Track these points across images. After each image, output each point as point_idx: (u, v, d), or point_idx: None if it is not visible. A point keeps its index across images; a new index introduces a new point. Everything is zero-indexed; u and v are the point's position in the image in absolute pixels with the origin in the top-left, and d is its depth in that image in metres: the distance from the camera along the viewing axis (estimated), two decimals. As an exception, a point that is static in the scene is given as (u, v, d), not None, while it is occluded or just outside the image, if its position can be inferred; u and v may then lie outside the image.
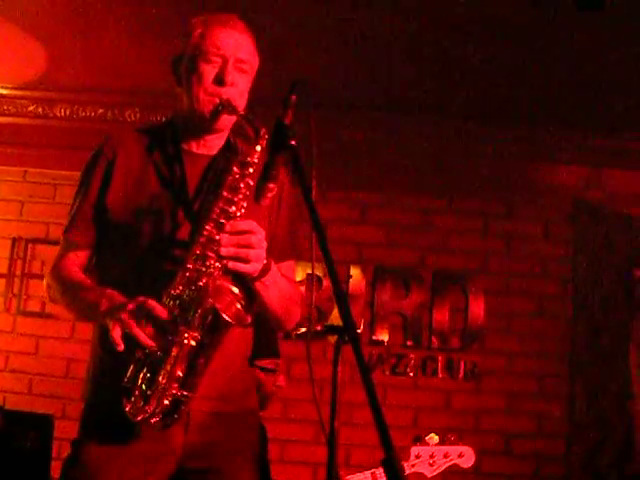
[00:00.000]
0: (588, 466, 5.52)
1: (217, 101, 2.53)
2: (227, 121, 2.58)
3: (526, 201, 5.86)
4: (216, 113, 2.54)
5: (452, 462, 3.93)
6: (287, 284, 2.64)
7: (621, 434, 5.54)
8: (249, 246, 2.36)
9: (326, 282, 5.08)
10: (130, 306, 2.30)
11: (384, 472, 1.79)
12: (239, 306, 2.39)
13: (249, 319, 2.45)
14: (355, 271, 5.78)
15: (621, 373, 5.64)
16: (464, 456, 3.98)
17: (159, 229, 2.54)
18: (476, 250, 5.86)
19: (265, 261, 2.42)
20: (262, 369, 4.04)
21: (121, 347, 2.29)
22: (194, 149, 2.65)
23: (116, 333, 2.29)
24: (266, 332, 3.00)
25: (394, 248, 5.81)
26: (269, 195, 2.32)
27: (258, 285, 2.46)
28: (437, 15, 4.46)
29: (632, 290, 5.75)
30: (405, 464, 3.89)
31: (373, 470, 3.84)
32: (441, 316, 5.77)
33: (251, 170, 2.45)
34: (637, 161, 5.80)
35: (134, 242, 2.53)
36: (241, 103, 2.55)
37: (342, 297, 2.03)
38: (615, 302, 5.73)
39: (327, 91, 4.45)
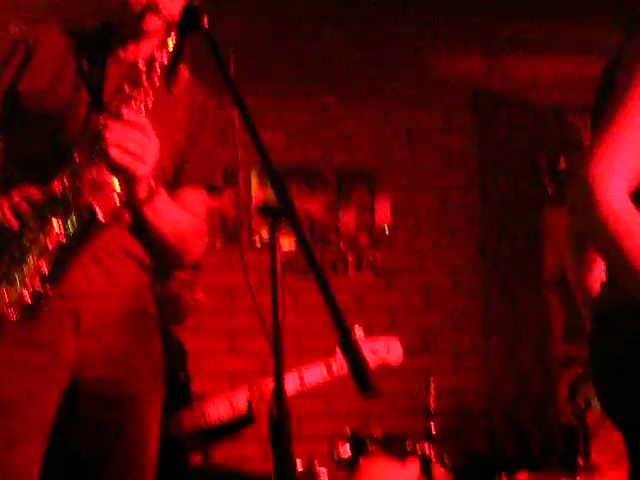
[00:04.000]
0: (507, 359, 5.54)
1: (144, 3, 2.38)
2: (154, 25, 2.42)
3: (426, 92, 5.75)
4: (141, 15, 2.40)
5: (382, 360, 3.87)
6: (184, 215, 2.53)
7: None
8: (138, 143, 2.24)
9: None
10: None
11: (343, 354, 1.69)
12: (118, 203, 2.24)
13: (127, 217, 2.38)
14: (255, 176, 5.59)
15: (534, 258, 5.64)
16: (392, 351, 3.92)
17: (67, 126, 2.41)
18: (378, 147, 5.74)
19: (153, 184, 2.34)
20: (179, 281, 3.93)
21: None
22: (121, 54, 2.52)
23: None
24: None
25: (294, 148, 5.64)
26: (181, 82, 2.28)
27: (147, 210, 2.37)
28: None
29: (540, 177, 5.73)
30: (333, 364, 3.82)
31: (326, 358, 3.77)
32: (348, 215, 5.66)
33: (158, 67, 2.30)
34: (536, 47, 5.74)
35: (40, 136, 2.42)
36: (171, 8, 2.38)
37: (276, 177, 1.89)
38: (523, 189, 5.71)
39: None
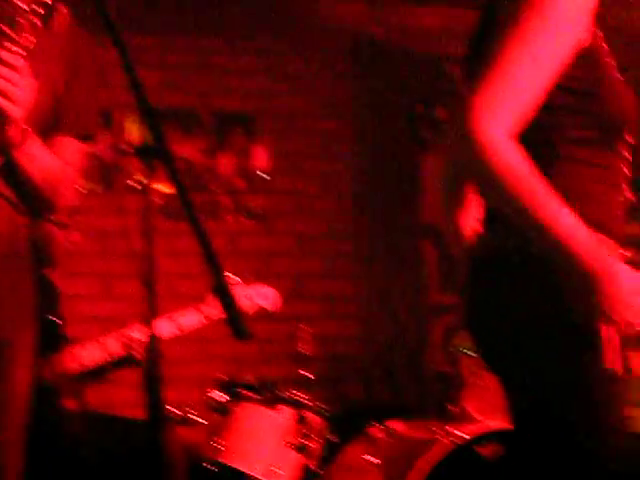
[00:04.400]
0: (381, 306, 5.59)
1: None
2: None
3: (306, 38, 5.70)
4: None
5: (258, 306, 3.85)
6: (56, 162, 2.46)
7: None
8: (12, 83, 2.17)
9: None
10: None
11: (216, 299, 1.67)
12: None
13: None
14: (131, 118, 5.47)
15: (410, 205, 5.67)
16: (268, 298, 3.91)
17: None
18: (258, 91, 5.68)
19: (26, 127, 2.27)
20: (53, 223, 3.83)
21: None
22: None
23: None
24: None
25: (172, 91, 5.55)
26: (60, 22, 2.23)
27: (18, 154, 2.31)
28: None
29: (417, 127, 5.75)
30: (208, 309, 3.78)
31: (201, 303, 3.74)
32: (226, 160, 5.61)
33: (38, 6, 2.22)
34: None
35: None
36: None
37: (152, 119, 1.85)
38: (400, 137, 5.72)
39: None
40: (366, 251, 5.65)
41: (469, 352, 4.46)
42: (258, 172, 5.63)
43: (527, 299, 2.04)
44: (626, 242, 2.18)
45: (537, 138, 2.03)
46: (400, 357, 5.57)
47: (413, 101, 5.73)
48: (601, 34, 2.18)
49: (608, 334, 1.92)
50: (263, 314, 3.89)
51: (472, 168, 1.94)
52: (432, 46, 5.79)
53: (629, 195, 2.22)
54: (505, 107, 1.91)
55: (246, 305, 3.80)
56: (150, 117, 1.84)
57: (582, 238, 1.90)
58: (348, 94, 5.76)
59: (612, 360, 1.93)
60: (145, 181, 2.11)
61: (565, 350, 2.00)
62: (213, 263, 1.69)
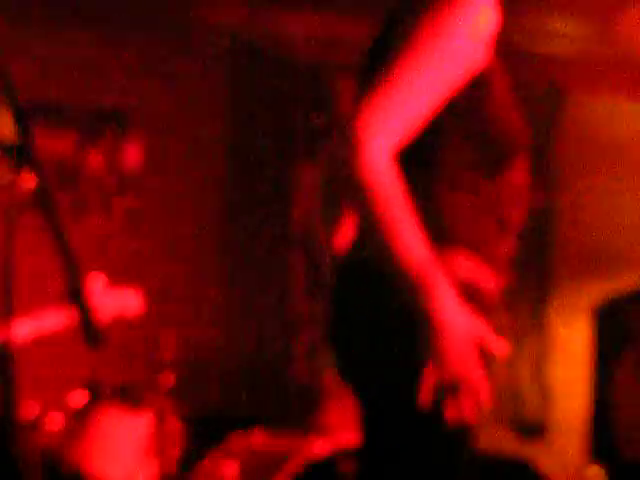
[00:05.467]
0: (246, 313, 5.55)
1: None
2: None
3: (186, 38, 5.65)
4: None
5: (120, 310, 3.80)
6: None
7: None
8: None
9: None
10: None
11: (72, 301, 1.63)
12: None
13: None
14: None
15: (280, 214, 5.68)
16: (132, 301, 3.86)
17: None
18: (134, 89, 5.60)
19: None
20: None
21: None
22: None
23: None
24: None
25: (43, 84, 5.43)
26: None
27: None
28: None
29: (292, 134, 5.77)
30: (68, 310, 3.70)
31: (62, 303, 3.63)
32: (97, 157, 5.51)
33: None
34: (295, 1, 5.72)
35: None
36: None
37: (19, 112, 1.80)
38: (274, 144, 5.73)
39: None
40: (234, 257, 5.62)
41: (331, 364, 4.48)
42: (130, 171, 5.54)
43: (378, 313, 2.06)
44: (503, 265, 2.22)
45: (420, 158, 2.05)
46: (263, 367, 5.55)
47: (290, 109, 5.75)
48: (497, 57, 2.20)
49: (429, 372, 1.94)
50: (126, 316, 3.84)
51: (348, 179, 1.94)
52: (310, 54, 5.81)
53: (516, 219, 2.25)
54: (390, 125, 1.93)
55: (108, 307, 3.74)
56: (16, 111, 1.77)
57: (424, 272, 1.91)
58: (225, 98, 5.74)
59: (424, 400, 1.94)
60: (9, 176, 2.05)
61: (414, 367, 2.00)
62: (70, 265, 1.64)
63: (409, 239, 1.91)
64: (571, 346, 6.08)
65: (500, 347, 2.00)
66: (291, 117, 5.77)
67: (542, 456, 5.94)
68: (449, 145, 2.09)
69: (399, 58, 1.98)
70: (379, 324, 2.06)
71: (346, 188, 1.98)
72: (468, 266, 2.06)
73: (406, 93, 1.95)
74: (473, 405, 1.94)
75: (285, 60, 5.75)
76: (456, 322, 1.92)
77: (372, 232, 1.95)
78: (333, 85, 5.76)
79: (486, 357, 1.99)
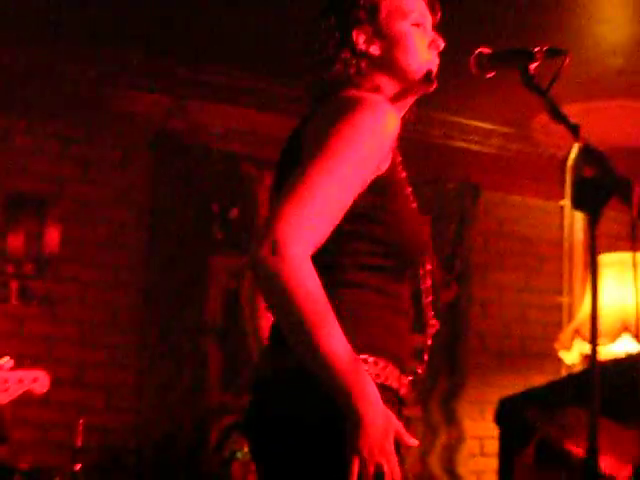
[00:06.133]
0: (160, 401, 5.53)
1: None
2: None
3: (106, 127, 5.70)
4: None
5: (26, 388, 3.79)
6: None
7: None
8: None
9: None
10: None
11: None
12: None
13: None
14: None
15: (196, 304, 5.69)
16: (38, 381, 3.85)
17: None
18: (53, 174, 5.63)
19: None
20: None
21: None
22: None
23: None
24: None
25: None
26: None
27: None
28: None
29: (210, 225, 5.79)
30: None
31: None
32: (16, 241, 5.50)
33: None
34: (220, 94, 5.81)
35: None
36: None
37: None
38: (192, 234, 5.75)
39: None
40: (150, 345, 5.58)
41: (240, 455, 4.51)
42: (48, 255, 5.53)
43: (299, 411, 2.10)
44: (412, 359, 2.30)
45: (326, 261, 2.11)
46: (177, 455, 5.51)
47: (209, 199, 5.80)
48: (399, 162, 2.30)
49: (356, 465, 2.01)
50: (32, 397, 3.83)
51: (269, 286, 2.00)
52: (231, 146, 5.89)
53: (432, 321, 2.34)
54: (307, 228, 1.98)
55: (16, 388, 3.74)
56: None
57: (348, 370, 1.97)
58: (145, 186, 5.75)
59: None
60: None
61: (330, 462, 2.05)
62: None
63: (334, 339, 1.97)
64: (481, 439, 6.16)
65: (411, 440, 2.08)
66: (209, 208, 5.81)
67: None
68: (355, 249, 2.17)
69: (313, 164, 2.04)
70: (299, 420, 2.10)
71: (268, 292, 2.02)
72: (379, 366, 2.14)
73: (320, 199, 2.01)
74: None
75: (206, 150, 5.81)
76: (378, 418, 1.99)
77: (296, 334, 2.00)
78: (251, 178, 5.84)
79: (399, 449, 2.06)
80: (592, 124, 6.06)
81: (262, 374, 2.23)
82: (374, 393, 2.00)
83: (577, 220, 6.35)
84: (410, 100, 2.39)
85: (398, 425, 2.05)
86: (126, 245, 5.71)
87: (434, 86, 2.36)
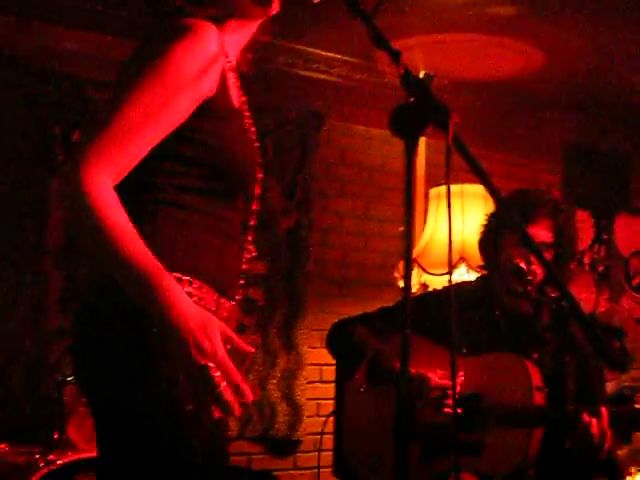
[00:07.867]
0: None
1: None
2: None
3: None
4: None
5: None
6: None
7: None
8: None
9: None
10: None
11: None
12: None
13: None
14: None
15: (37, 225, 5.58)
16: None
17: None
18: None
19: None
20: None
21: None
22: None
23: None
24: None
25: None
26: None
27: None
28: None
29: (52, 146, 5.67)
30: None
31: None
32: None
33: None
34: (62, 17, 5.65)
35: None
36: None
37: None
38: (34, 156, 5.62)
39: None
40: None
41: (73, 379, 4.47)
42: None
43: (113, 328, 2.12)
44: (244, 285, 2.30)
45: (143, 181, 2.14)
46: (17, 377, 5.43)
47: (52, 122, 5.67)
48: (238, 86, 2.29)
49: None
50: None
51: (75, 218, 2.03)
52: (75, 70, 5.75)
53: (249, 246, 2.35)
54: (112, 156, 2.00)
55: None
56: None
57: (157, 277, 1.98)
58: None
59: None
60: None
61: (150, 378, 2.07)
62: None
63: (134, 249, 1.98)
64: (320, 366, 6.25)
65: (245, 346, 2.07)
66: (52, 130, 5.69)
67: (291, 472, 6.09)
68: (176, 170, 2.18)
69: (124, 94, 2.06)
70: (116, 341, 2.11)
71: (76, 221, 2.03)
72: (193, 285, 2.15)
73: (128, 125, 2.02)
74: (228, 395, 1.98)
75: (50, 73, 5.65)
76: (190, 311, 1.98)
77: (102, 255, 2.01)
78: (94, 101, 5.73)
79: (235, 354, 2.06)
80: (442, 57, 6.15)
81: (83, 298, 2.25)
82: (183, 297, 2.01)
83: (420, 151, 6.44)
84: (252, 26, 2.37)
85: (223, 325, 2.03)
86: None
87: (273, 10, 2.34)
